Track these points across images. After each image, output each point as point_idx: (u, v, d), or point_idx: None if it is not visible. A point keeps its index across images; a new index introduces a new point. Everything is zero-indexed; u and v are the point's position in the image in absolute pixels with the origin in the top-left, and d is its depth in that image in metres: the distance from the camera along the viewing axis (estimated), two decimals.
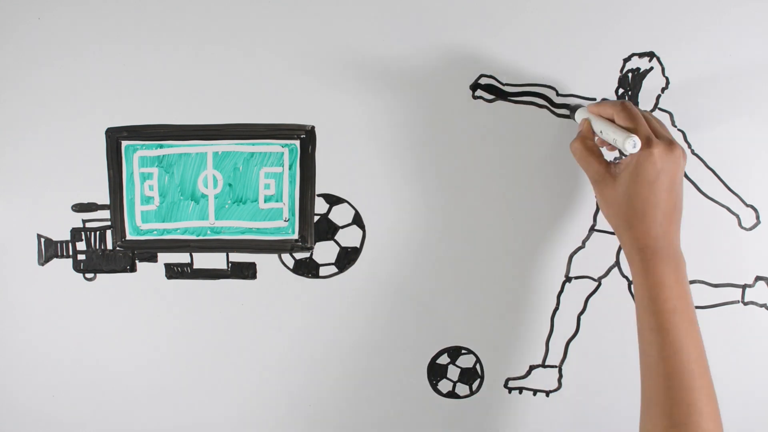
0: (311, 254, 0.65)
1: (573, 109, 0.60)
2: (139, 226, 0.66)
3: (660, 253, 0.51)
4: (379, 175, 0.64)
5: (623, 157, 0.54)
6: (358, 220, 0.64)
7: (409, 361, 0.66)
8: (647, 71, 0.61)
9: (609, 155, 0.60)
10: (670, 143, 0.52)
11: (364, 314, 0.66)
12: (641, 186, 0.51)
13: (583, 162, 0.56)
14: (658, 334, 0.51)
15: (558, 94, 0.62)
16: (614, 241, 0.64)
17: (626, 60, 0.61)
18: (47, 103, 0.64)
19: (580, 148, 0.56)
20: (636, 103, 0.62)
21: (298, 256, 0.65)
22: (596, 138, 0.57)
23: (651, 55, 0.61)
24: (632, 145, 0.50)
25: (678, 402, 0.49)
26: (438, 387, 0.67)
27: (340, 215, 0.65)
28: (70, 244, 0.66)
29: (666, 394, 0.50)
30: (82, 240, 0.66)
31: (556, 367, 0.66)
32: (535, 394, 0.66)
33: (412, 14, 0.62)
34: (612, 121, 0.54)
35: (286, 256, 0.65)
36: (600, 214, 0.63)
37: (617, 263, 0.64)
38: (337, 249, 0.65)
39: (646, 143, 0.50)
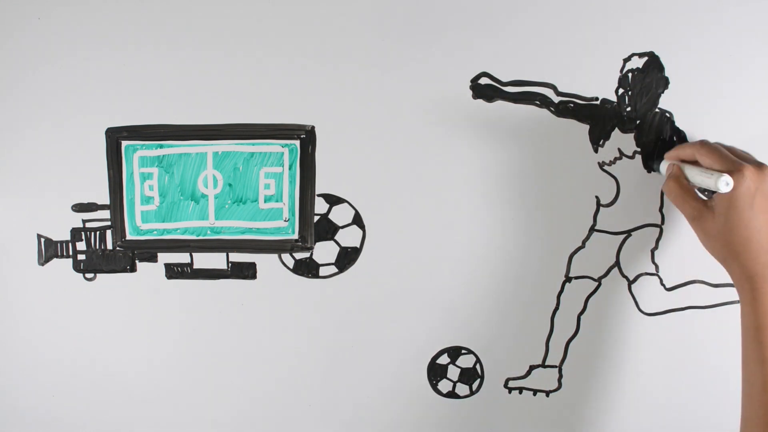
0: (311, 254, 0.65)
1: (657, 164, 0.61)
2: (139, 226, 0.66)
3: (766, 282, 0.51)
4: (379, 175, 0.64)
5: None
6: (358, 220, 0.64)
7: (409, 361, 0.66)
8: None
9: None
10: (759, 164, 0.52)
11: (364, 314, 0.66)
12: (741, 212, 0.51)
13: (680, 201, 0.56)
14: (763, 365, 0.50)
15: (558, 94, 0.62)
16: (614, 241, 0.64)
17: (626, 60, 0.61)
18: (47, 103, 0.64)
19: (675, 187, 0.56)
20: (636, 103, 0.62)
21: (298, 256, 0.65)
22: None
23: (651, 55, 0.61)
24: (725, 183, 0.50)
25: None
26: (438, 387, 0.67)
27: (340, 215, 0.65)
28: (70, 244, 0.66)
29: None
30: (82, 240, 0.66)
31: (556, 367, 0.66)
32: (535, 394, 0.66)
33: (412, 14, 0.62)
34: (695, 162, 0.56)
35: (286, 256, 0.65)
36: (600, 214, 0.63)
37: (617, 263, 0.64)
38: (337, 249, 0.65)
39: (735, 168, 0.51)
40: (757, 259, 0.52)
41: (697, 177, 0.54)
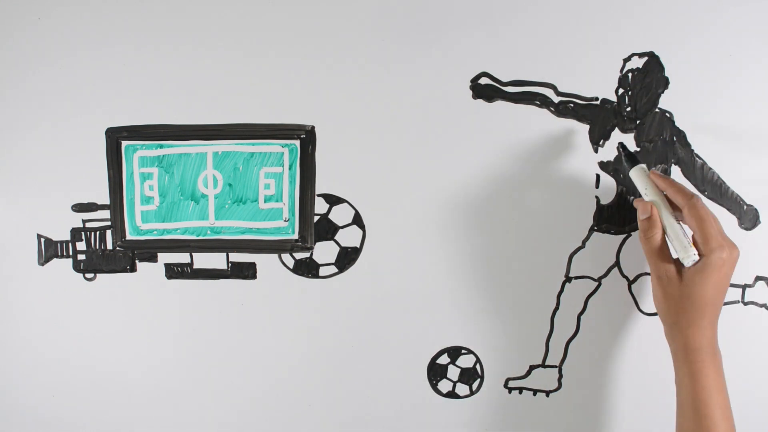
0: (311, 254, 0.65)
1: (628, 157, 0.59)
2: (139, 226, 0.66)
3: (707, 356, 0.53)
4: (379, 175, 0.64)
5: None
6: (358, 220, 0.64)
7: (409, 361, 0.66)
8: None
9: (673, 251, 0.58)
10: (733, 246, 0.54)
11: (364, 314, 0.66)
12: (709, 288, 0.53)
13: (653, 258, 0.56)
14: None
15: (558, 94, 0.62)
16: (614, 241, 0.64)
17: (626, 60, 0.61)
18: (47, 103, 0.64)
19: (651, 242, 0.56)
20: (636, 103, 0.62)
21: (298, 256, 0.65)
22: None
23: (651, 55, 0.61)
24: (691, 262, 0.53)
25: None
26: (438, 387, 0.67)
27: (340, 215, 0.65)
28: (70, 244, 0.66)
29: None
30: (82, 240, 0.66)
31: (556, 367, 0.66)
32: (535, 394, 0.66)
33: (411, 14, 0.62)
34: (678, 209, 0.56)
35: (286, 256, 0.65)
36: (601, 216, 0.63)
37: (617, 263, 0.64)
38: (337, 249, 0.65)
39: (720, 248, 0.52)
40: (703, 333, 0.53)
41: (675, 238, 0.55)
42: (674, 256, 0.56)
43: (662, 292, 0.56)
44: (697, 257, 0.53)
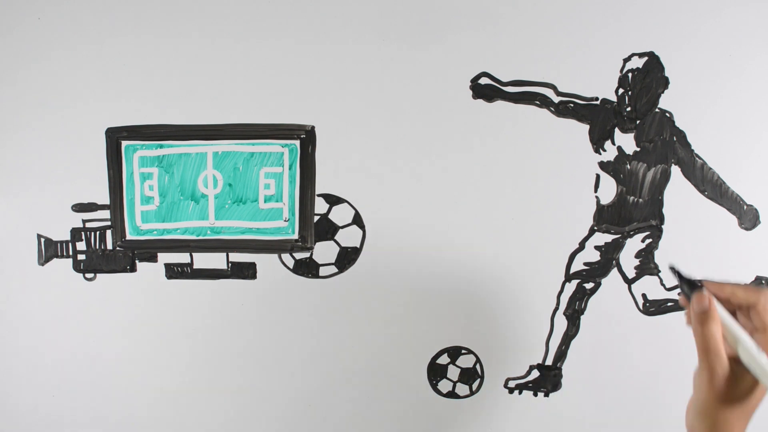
0: (311, 254, 0.65)
1: (686, 283, 0.48)
2: (139, 226, 0.66)
3: None
4: (379, 175, 0.64)
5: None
6: (358, 220, 0.64)
7: (409, 361, 0.66)
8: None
9: None
10: None
11: (364, 314, 0.66)
12: (760, 393, 0.47)
13: (713, 354, 0.47)
14: None
15: (558, 94, 0.62)
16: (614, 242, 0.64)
17: (626, 60, 0.61)
18: (48, 104, 0.64)
19: (710, 337, 0.47)
20: (636, 103, 0.61)
21: (298, 256, 0.65)
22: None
23: (651, 55, 0.61)
24: None
25: None
26: (438, 387, 0.67)
27: (340, 215, 0.65)
28: (70, 244, 0.66)
29: None
30: (82, 240, 0.66)
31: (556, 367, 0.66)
32: (535, 394, 0.66)
33: (412, 14, 0.62)
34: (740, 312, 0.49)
35: (286, 256, 0.65)
36: (601, 216, 0.63)
37: (617, 263, 0.64)
38: (337, 249, 0.65)
39: None
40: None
41: (758, 358, 0.46)
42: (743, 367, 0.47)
43: (708, 386, 0.48)
44: None
